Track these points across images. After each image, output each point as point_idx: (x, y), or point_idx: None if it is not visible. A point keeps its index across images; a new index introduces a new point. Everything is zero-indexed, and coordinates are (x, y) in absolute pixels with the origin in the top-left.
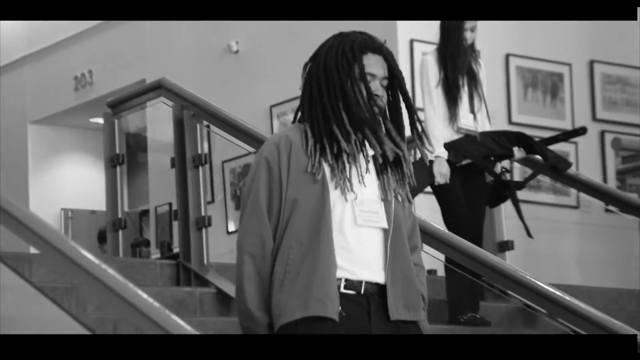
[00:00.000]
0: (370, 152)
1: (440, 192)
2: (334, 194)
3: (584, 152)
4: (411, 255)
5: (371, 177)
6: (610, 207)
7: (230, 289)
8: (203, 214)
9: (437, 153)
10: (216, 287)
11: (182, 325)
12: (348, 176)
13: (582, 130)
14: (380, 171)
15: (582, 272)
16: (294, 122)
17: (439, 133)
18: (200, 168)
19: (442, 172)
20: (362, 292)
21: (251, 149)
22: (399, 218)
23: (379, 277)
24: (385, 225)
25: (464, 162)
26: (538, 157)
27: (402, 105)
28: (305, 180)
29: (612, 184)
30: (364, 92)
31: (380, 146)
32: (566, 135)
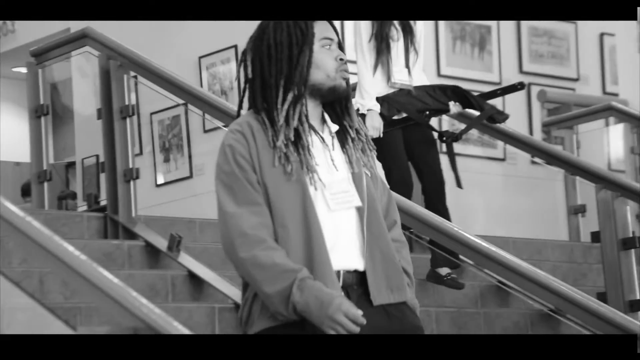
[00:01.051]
0: (334, 128)
1: (380, 146)
2: (305, 180)
3: (511, 104)
4: (391, 232)
5: (336, 153)
6: (536, 159)
7: (159, 241)
8: (131, 166)
9: (369, 106)
10: (145, 239)
11: (109, 279)
12: (309, 162)
13: (519, 86)
14: (342, 144)
15: (508, 224)
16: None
17: (370, 87)
18: (128, 119)
19: (374, 126)
20: (340, 284)
21: (179, 101)
22: (372, 193)
23: (357, 262)
24: (359, 203)
25: (403, 115)
26: (473, 111)
27: None
28: (276, 169)
29: (537, 136)
30: (332, 59)
31: (341, 121)
32: (504, 91)
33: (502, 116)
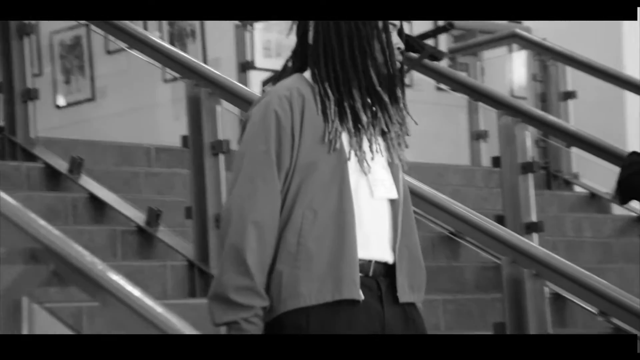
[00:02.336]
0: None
1: None
2: (350, 163)
3: (418, 32)
4: None
5: (378, 140)
6: (442, 86)
7: (59, 164)
8: (29, 86)
9: None
10: (44, 161)
11: (6, 199)
12: (365, 148)
13: (449, 26)
14: (383, 132)
15: (412, 149)
16: (283, 70)
17: None
18: (26, 38)
19: None
20: (371, 274)
21: (82, 21)
22: (405, 187)
23: (387, 255)
24: (396, 195)
25: None
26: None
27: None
28: (320, 144)
29: (443, 62)
30: (391, 45)
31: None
32: (434, 32)
33: (441, 54)
